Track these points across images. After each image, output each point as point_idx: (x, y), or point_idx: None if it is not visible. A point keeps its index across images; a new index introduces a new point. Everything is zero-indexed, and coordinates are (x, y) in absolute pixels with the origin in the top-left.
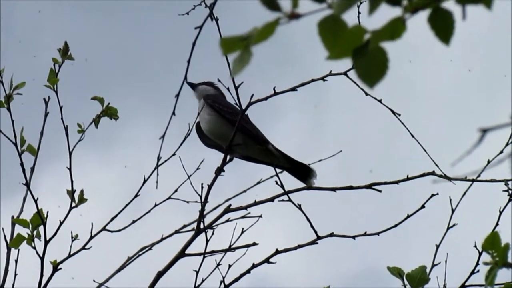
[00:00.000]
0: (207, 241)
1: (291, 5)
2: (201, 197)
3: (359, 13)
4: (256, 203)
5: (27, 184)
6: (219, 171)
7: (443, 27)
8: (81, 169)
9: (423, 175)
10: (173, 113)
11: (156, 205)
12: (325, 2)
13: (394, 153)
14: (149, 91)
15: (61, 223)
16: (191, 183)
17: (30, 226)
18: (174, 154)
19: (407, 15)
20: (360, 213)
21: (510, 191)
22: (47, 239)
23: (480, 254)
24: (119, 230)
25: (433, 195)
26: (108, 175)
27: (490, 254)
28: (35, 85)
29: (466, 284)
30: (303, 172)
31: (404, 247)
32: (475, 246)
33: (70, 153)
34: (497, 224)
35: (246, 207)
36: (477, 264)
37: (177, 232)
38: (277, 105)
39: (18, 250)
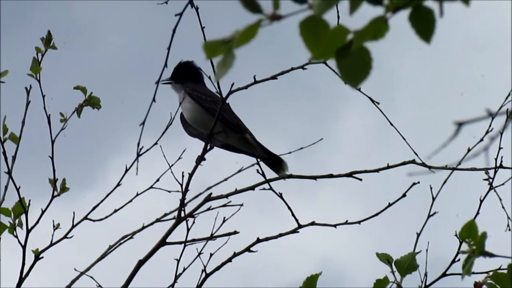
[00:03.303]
0: (188, 229)
1: (272, 6)
2: (182, 186)
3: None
4: (237, 192)
5: (9, 173)
6: (200, 159)
7: (424, 25)
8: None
9: (404, 163)
10: (153, 100)
11: (137, 194)
12: (306, 3)
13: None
14: None
15: (42, 212)
16: (172, 173)
17: (12, 214)
18: (156, 143)
19: (388, 14)
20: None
21: (490, 180)
22: (29, 228)
23: (461, 243)
24: (101, 219)
25: (414, 183)
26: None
27: (467, 242)
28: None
29: (447, 272)
30: (277, 164)
31: (385, 235)
32: (456, 235)
33: (53, 142)
34: (477, 213)
35: (227, 196)
36: (458, 253)
37: (158, 220)
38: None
39: None
